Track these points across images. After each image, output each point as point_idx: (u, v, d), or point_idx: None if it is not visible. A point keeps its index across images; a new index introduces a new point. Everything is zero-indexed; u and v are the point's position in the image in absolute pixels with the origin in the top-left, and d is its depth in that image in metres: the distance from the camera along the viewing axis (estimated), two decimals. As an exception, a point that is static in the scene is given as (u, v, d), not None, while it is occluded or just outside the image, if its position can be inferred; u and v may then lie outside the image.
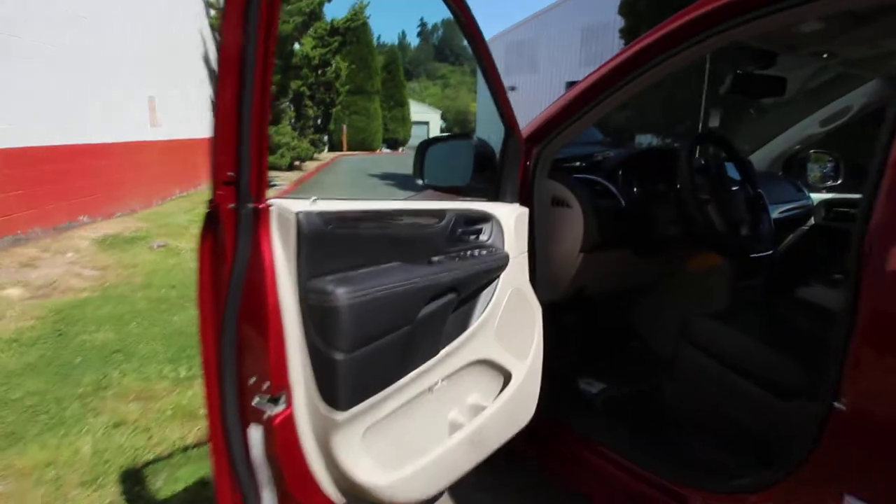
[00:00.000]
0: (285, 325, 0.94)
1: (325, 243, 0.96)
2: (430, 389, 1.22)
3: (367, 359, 0.97)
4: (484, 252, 1.33)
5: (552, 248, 1.69)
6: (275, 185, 11.55)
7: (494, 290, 1.36)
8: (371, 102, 25.24)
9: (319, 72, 14.03)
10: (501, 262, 1.37)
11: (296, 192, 11.66)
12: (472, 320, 1.31)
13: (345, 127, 23.32)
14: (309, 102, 14.38)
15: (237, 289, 0.90)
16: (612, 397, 1.81)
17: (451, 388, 1.30)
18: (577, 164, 1.86)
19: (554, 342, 1.54)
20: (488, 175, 1.54)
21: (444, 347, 1.20)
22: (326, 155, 19.29)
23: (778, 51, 1.71)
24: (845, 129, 2.37)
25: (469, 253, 1.29)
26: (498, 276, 1.38)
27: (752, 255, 1.81)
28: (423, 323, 1.12)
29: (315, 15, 11.62)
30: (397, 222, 1.15)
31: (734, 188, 1.70)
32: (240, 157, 0.88)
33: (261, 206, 0.92)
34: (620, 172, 1.76)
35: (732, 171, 1.92)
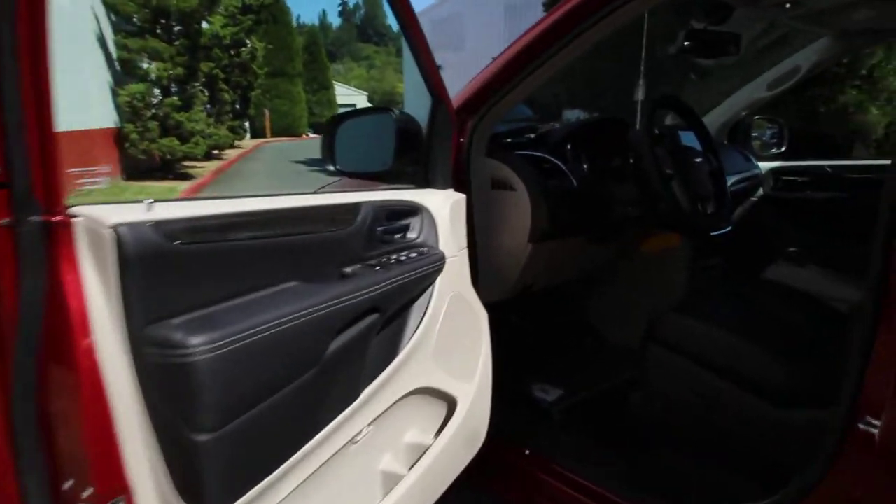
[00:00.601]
0: (111, 396, 0.62)
1: (168, 268, 0.63)
2: (352, 440, 0.93)
3: (245, 434, 0.67)
4: (414, 254, 1.05)
5: (495, 240, 1.43)
6: (191, 179, 10.74)
7: (430, 299, 1.09)
8: (293, 86, 24.13)
9: (232, 52, 13.10)
10: (436, 265, 1.09)
11: (214, 182, 10.90)
12: (403, 343, 1.03)
13: (267, 112, 22.20)
14: (224, 86, 13.41)
15: (28, 347, 0.57)
16: (571, 405, 1.58)
17: (382, 431, 1.02)
18: (519, 138, 1.60)
19: (500, 347, 1.29)
20: (415, 156, 1.26)
21: (367, 386, 0.91)
22: (249, 142, 18.27)
23: (734, 1, 1.50)
24: (791, 92, 2.25)
25: (395, 257, 1.00)
26: (433, 282, 1.10)
27: (713, 233, 1.63)
28: (335, 361, 0.82)
29: (222, -10, 10.77)
30: (290, 226, 0.83)
31: (697, 160, 1.50)
32: (8, 147, 0.55)
33: (56, 219, 0.59)
34: (569, 147, 1.52)
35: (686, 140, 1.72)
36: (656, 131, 1.50)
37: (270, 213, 0.81)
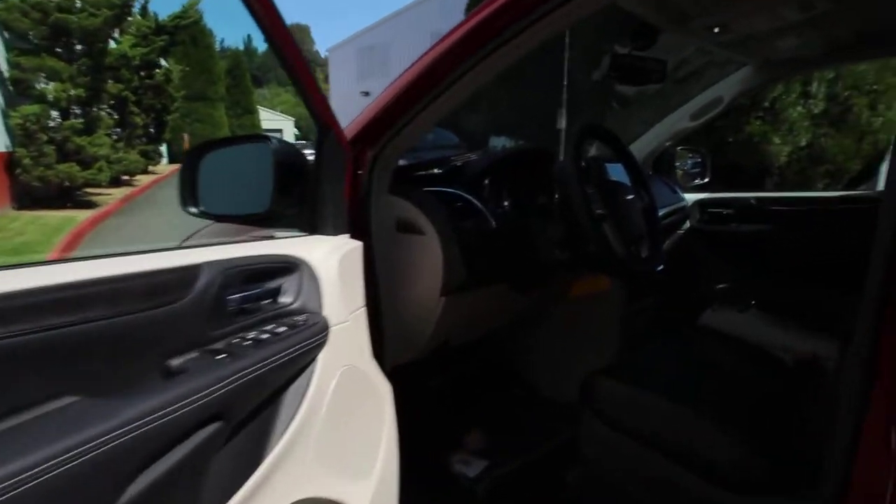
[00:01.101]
0: None
1: None
2: None
3: None
4: (284, 327, 0.80)
5: (403, 292, 1.20)
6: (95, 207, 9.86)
7: (308, 382, 0.84)
8: (215, 110, 23.20)
9: (143, 74, 12.34)
10: (317, 338, 0.85)
11: (120, 212, 10.08)
12: (269, 448, 0.77)
13: (186, 136, 21.13)
14: (135, 109, 12.59)
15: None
16: (497, 479, 1.36)
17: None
18: (430, 172, 1.39)
19: (411, 416, 1.07)
20: (299, 194, 1.03)
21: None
22: (165, 167, 17.23)
23: (661, 24, 1.38)
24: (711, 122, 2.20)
25: (253, 336, 0.75)
26: (315, 358, 0.86)
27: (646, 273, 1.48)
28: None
29: (128, 8, 10.12)
30: (71, 311, 0.56)
31: (628, 196, 1.35)
32: None
33: None
34: (487, 182, 1.33)
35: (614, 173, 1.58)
36: (583, 164, 1.34)
37: (32, 294, 0.54)
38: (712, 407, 1.02)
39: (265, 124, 29.40)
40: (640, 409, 1.05)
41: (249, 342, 0.74)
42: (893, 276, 0.60)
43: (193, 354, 0.67)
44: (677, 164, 2.36)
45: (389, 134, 1.13)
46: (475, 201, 1.28)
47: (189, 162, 1.06)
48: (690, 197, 2.23)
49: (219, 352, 0.69)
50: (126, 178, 12.20)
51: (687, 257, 2.08)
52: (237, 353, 0.70)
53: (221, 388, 0.65)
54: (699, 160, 2.40)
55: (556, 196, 1.34)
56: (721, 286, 1.88)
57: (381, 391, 1.02)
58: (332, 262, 0.94)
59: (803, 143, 7.12)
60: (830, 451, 0.67)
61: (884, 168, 7.62)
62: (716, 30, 1.36)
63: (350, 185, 1.12)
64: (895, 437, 0.61)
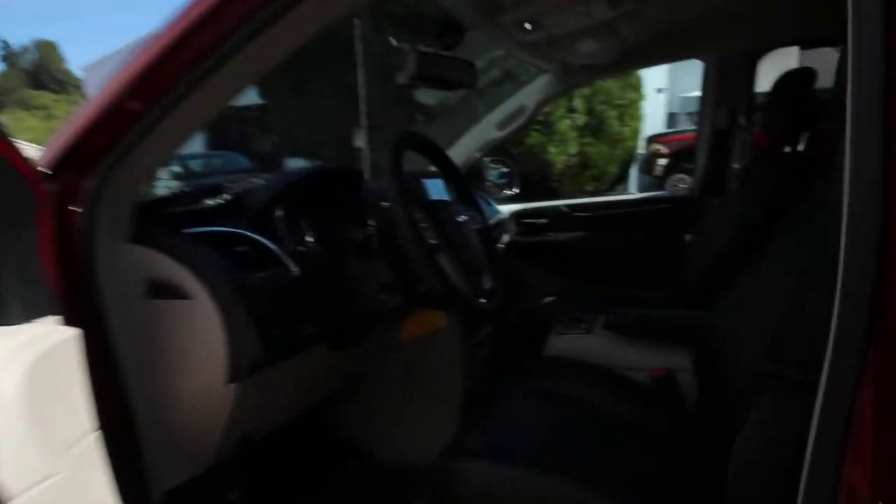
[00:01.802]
0: None
1: None
2: None
3: None
4: None
5: (167, 390, 0.81)
6: None
7: None
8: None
9: None
10: None
11: None
12: None
13: None
14: None
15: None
16: None
17: None
18: (195, 206, 1.00)
19: None
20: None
21: None
22: None
23: (467, 19, 1.20)
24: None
25: None
26: None
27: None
28: None
29: None
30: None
31: (460, 219, 1.13)
32: None
33: None
34: (279, 214, 0.99)
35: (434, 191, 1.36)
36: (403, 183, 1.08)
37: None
38: (588, 467, 0.83)
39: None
40: (509, 494, 0.82)
41: None
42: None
43: None
44: (487, 174, 2.27)
45: (117, 152, 0.74)
46: (266, 242, 0.94)
47: None
48: (506, 209, 2.15)
49: None
50: None
51: (511, 273, 1.97)
52: None
53: None
54: (507, 170, 2.35)
55: (374, 225, 1.06)
56: (549, 299, 1.80)
57: None
58: (11, 376, 0.54)
59: (573, 151, 7.99)
60: None
61: (633, 171, 8.97)
62: (527, 25, 1.23)
63: (52, 235, 0.70)
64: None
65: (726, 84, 1.79)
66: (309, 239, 1.04)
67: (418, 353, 1.33)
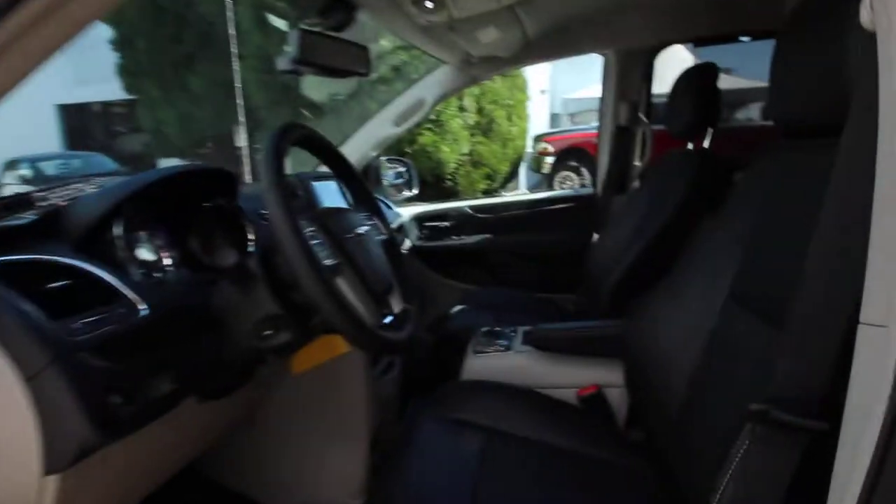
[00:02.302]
0: None
1: None
2: None
3: None
4: None
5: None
6: None
7: None
8: None
9: None
10: None
11: None
12: None
13: None
14: None
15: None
16: None
17: None
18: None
19: None
20: None
21: None
22: None
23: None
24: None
25: None
26: None
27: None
28: None
29: None
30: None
31: (361, 229, 0.93)
32: None
33: None
34: (119, 232, 0.75)
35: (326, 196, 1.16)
36: (289, 187, 0.87)
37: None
38: None
39: None
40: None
41: None
42: None
43: None
44: (384, 175, 2.10)
45: None
46: (96, 271, 0.69)
47: None
48: (406, 212, 1.99)
49: None
50: None
51: (415, 282, 1.82)
52: None
53: None
54: (405, 170, 2.18)
55: (252, 241, 0.85)
56: (458, 308, 1.67)
57: None
58: None
59: (466, 150, 8.02)
60: None
61: (523, 169, 9.21)
62: (428, 3, 1.07)
63: None
64: None
65: (626, 80, 1.76)
66: (166, 263, 0.80)
67: (316, 386, 1.13)
